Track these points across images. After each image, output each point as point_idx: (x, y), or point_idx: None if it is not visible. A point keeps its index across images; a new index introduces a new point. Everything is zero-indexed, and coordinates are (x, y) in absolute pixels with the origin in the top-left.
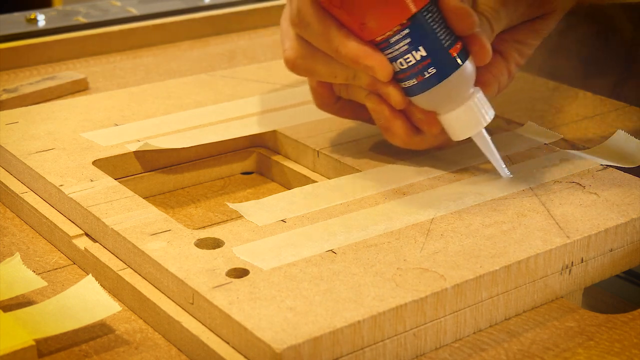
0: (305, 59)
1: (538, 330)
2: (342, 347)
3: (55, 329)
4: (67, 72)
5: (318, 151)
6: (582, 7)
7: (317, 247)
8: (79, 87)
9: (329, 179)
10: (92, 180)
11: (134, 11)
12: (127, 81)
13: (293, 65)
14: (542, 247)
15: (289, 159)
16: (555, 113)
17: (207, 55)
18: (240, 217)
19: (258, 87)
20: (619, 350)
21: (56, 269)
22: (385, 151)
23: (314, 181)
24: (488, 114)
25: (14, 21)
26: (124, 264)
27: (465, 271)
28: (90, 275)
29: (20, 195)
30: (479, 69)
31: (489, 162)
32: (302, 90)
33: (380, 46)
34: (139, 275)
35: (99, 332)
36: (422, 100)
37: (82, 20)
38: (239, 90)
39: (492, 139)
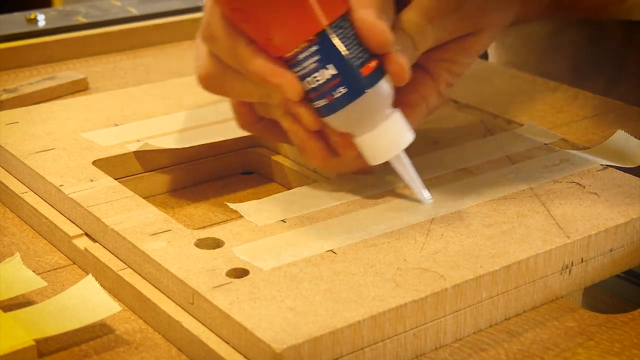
0: (218, 77)
1: (538, 330)
2: (342, 347)
3: (55, 329)
4: (67, 72)
5: None
6: (528, 23)
7: (317, 247)
8: (79, 87)
9: (329, 179)
10: (92, 180)
11: (134, 11)
12: (127, 81)
13: (205, 84)
14: (542, 247)
15: (289, 159)
16: (555, 113)
17: None
18: (240, 217)
19: None
20: (619, 350)
21: (56, 269)
22: None
23: (314, 181)
24: (406, 136)
25: (14, 21)
26: (124, 264)
27: (465, 271)
28: (90, 275)
29: (20, 195)
30: (405, 89)
31: (488, 162)
32: None
33: (289, 63)
34: (139, 275)
35: (99, 332)
36: (334, 121)
37: (82, 20)
38: None
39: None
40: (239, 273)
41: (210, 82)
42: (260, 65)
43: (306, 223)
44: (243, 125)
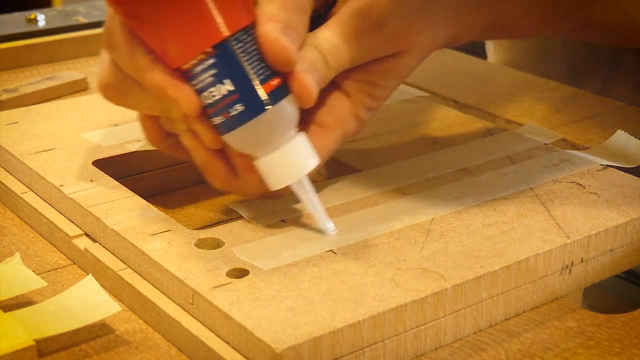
0: (118, 87)
1: (538, 330)
2: (342, 347)
3: (55, 329)
4: (67, 72)
5: None
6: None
7: (317, 247)
8: (79, 87)
9: (329, 179)
10: (92, 180)
11: None
12: None
13: (105, 93)
14: (542, 247)
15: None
16: (555, 113)
17: None
18: (240, 217)
19: None
20: (619, 350)
21: (56, 269)
22: (385, 151)
23: (314, 181)
24: (309, 162)
25: (14, 21)
26: (124, 264)
27: (465, 271)
28: (90, 275)
29: (20, 195)
30: (320, 110)
31: (488, 162)
32: None
33: (186, 75)
34: (139, 275)
35: (99, 332)
36: (231, 140)
37: (82, 20)
38: None
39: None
40: (239, 273)
41: (110, 92)
42: (157, 76)
43: (306, 223)
44: (152, 141)
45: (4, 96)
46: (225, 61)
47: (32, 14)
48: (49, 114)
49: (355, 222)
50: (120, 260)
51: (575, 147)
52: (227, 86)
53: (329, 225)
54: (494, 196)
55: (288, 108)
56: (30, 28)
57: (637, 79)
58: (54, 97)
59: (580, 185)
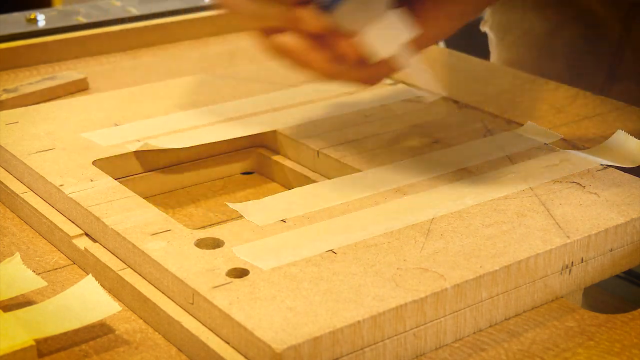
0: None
1: (538, 330)
2: (342, 347)
3: (55, 329)
4: (67, 72)
5: (318, 151)
6: None
7: (317, 247)
8: (79, 87)
9: (329, 179)
10: (92, 180)
11: (134, 11)
12: (127, 81)
13: (224, 5)
14: (542, 247)
15: (289, 159)
16: (555, 113)
17: (207, 55)
18: (240, 217)
19: (258, 87)
20: (619, 350)
21: (56, 269)
22: (385, 151)
23: (314, 181)
24: (409, 28)
25: (14, 21)
26: (124, 264)
27: (465, 271)
28: (90, 275)
29: (20, 195)
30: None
31: (488, 162)
32: (302, 90)
33: None
34: (139, 275)
35: (99, 332)
36: (339, 14)
37: (82, 20)
38: (239, 90)
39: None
40: (239, 273)
41: (229, 2)
42: None
43: (306, 223)
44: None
45: (4, 96)
46: None
47: (32, 14)
48: (49, 114)
49: (355, 222)
50: (120, 260)
51: (575, 147)
52: None
53: (439, 87)
54: (494, 196)
55: None
56: (30, 28)
57: (638, 75)
58: (54, 97)
59: (580, 185)
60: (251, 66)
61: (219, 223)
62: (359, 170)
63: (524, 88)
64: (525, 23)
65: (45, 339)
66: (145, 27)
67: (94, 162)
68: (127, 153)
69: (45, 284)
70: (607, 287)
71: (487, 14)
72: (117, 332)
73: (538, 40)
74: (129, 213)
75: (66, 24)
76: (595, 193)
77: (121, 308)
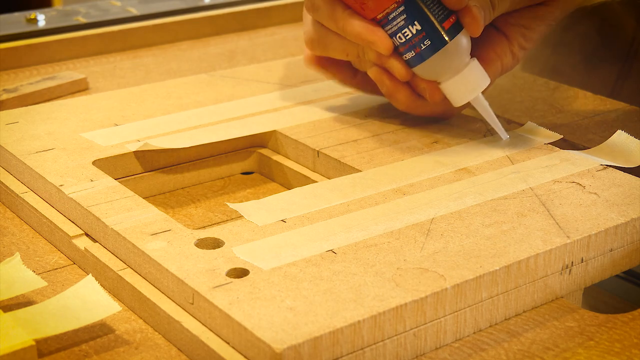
0: (321, 40)
1: (538, 330)
2: (342, 347)
3: (55, 329)
4: (67, 72)
5: (318, 151)
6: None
7: (317, 247)
8: (79, 87)
9: (329, 179)
10: (92, 180)
11: (134, 11)
12: (127, 81)
13: (311, 46)
14: (542, 247)
15: (289, 159)
16: (555, 113)
17: (207, 55)
18: (240, 217)
19: (258, 87)
20: (619, 350)
21: (56, 269)
22: (385, 151)
23: (314, 181)
24: (484, 80)
25: (14, 21)
26: (124, 264)
27: (465, 271)
28: (90, 275)
29: (20, 195)
30: (483, 47)
31: (488, 162)
32: (302, 90)
33: (381, 23)
34: (139, 275)
35: (99, 332)
36: (421, 70)
37: (82, 20)
38: (239, 90)
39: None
40: (239, 273)
41: (315, 45)
42: (357, 26)
43: (306, 223)
44: (341, 80)
45: (4, 96)
46: (413, 7)
47: (32, 14)
48: (49, 114)
49: (355, 222)
50: (120, 260)
51: (575, 147)
52: (416, 26)
53: (505, 133)
54: (494, 196)
55: (463, 39)
56: (30, 28)
57: None
58: (54, 97)
59: (580, 185)
60: (251, 66)
61: (219, 223)
62: (359, 170)
63: (524, 88)
64: None
65: (45, 339)
66: (145, 27)
67: (94, 162)
68: (127, 153)
69: (45, 284)
70: (607, 287)
71: None
72: (117, 332)
73: (551, 35)
74: (129, 213)
75: (66, 24)
76: (595, 193)
77: (121, 308)
